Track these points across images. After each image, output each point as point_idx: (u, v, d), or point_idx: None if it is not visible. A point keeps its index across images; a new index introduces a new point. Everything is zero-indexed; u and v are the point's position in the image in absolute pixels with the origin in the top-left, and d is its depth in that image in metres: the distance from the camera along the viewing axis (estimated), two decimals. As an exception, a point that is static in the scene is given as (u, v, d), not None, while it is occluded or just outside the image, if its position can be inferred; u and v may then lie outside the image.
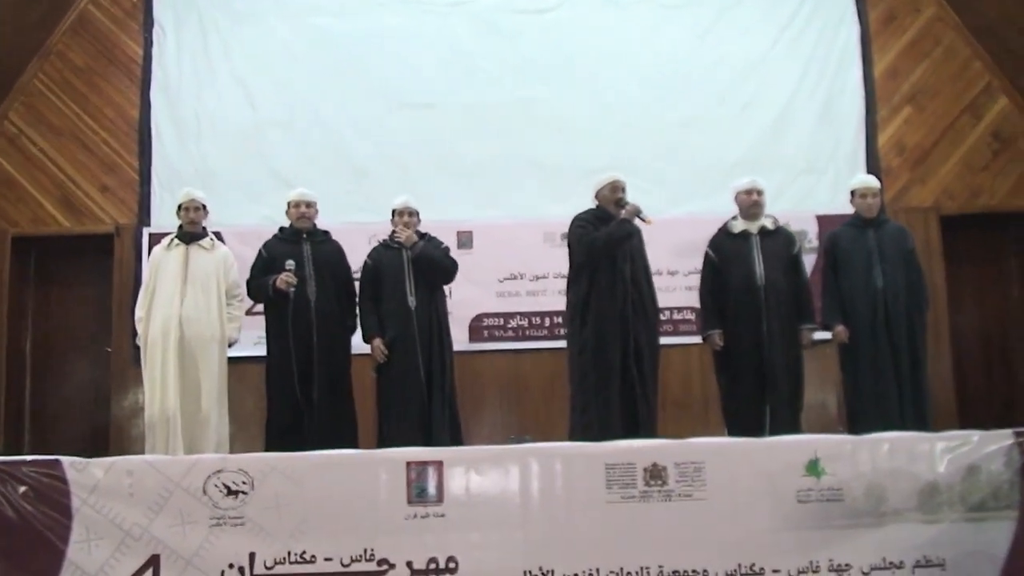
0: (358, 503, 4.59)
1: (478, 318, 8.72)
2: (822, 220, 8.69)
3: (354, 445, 6.49)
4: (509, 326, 8.75)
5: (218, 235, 7.44)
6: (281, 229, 7.11)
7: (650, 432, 6.20)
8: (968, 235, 9.05)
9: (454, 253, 7.30)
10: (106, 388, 8.77)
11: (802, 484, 4.62)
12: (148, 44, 9.19)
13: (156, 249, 7.03)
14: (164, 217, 8.36)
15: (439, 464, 4.63)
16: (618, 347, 6.40)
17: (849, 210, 7.17)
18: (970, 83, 9.20)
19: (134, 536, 4.47)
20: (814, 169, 9.04)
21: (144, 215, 8.87)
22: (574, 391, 6.61)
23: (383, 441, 6.52)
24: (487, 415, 8.63)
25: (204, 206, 7.01)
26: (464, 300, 8.45)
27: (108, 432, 8.58)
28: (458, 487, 4.62)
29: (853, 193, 7.04)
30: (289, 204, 7.07)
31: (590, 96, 9.10)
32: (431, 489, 4.59)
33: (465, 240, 8.72)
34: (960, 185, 9.06)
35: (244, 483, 4.55)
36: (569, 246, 6.76)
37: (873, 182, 7.12)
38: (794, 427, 6.46)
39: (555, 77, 9.12)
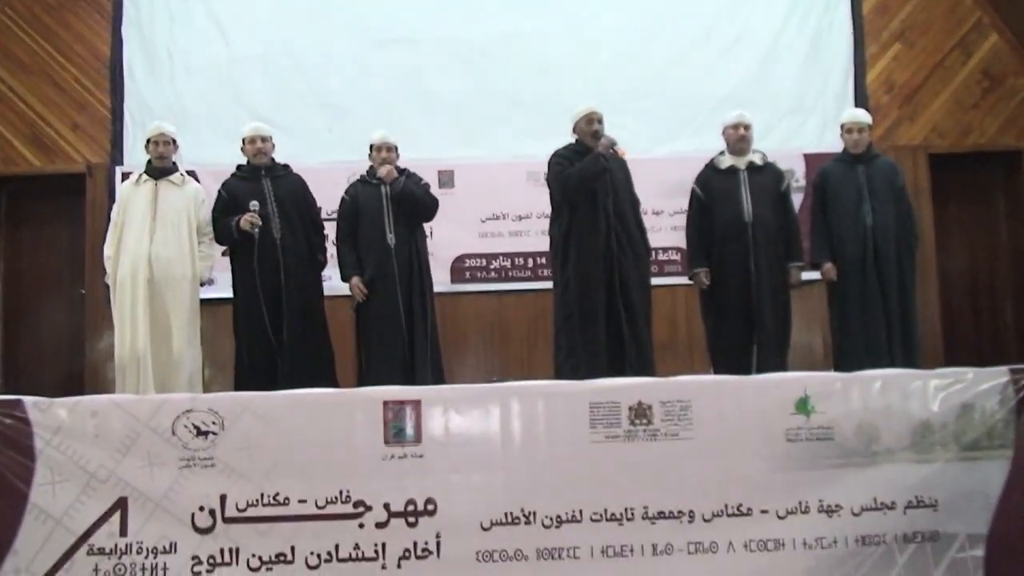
0: (333, 444, 4.46)
1: (460, 259, 8.59)
2: (810, 159, 8.55)
3: (332, 385, 6.33)
4: (491, 267, 8.62)
5: (192, 173, 7.23)
6: (239, 167, 6.86)
7: (643, 374, 5.88)
8: (957, 173, 8.95)
9: (435, 192, 7.10)
10: (80, 331, 8.64)
11: (791, 423, 4.51)
12: (119, -22, 8.95)
13: (124, 185, 6.82)
14: (137, 155, 8.13)
15: (417, 404, 4.50)
16: (602, 284, 6.21)
17: (838, 147, 7.02)
18: (960, 20, 9.06)
19: (100, 478, 4.34)
20: (802, 107, 8.91)
21: (116, 154, 8.72)
22: (558, 331, 6.44)
23: (364, 382, 6.37)
24: (470, 357, 8.53)
25: (174, 140, 6.76)
26: (445, 240, 8.26)
27: (83, 375, 8.47)
28: (437, 427, 4.49)
29: (843, 128, 6.89)
30: (244, 140, 6.81)
31: (574, 32, 8.92)
32: (409, 429, 4.46)
33: (446, 179, 8.55)
34: (950, 123, 8.96)
35: (214, 423, 4.41)
36: (548, 183, 6.59)
37: (862, 116, 6.96)
38: (781, 367, 6.34)
39: (538, 12, 8.95)
